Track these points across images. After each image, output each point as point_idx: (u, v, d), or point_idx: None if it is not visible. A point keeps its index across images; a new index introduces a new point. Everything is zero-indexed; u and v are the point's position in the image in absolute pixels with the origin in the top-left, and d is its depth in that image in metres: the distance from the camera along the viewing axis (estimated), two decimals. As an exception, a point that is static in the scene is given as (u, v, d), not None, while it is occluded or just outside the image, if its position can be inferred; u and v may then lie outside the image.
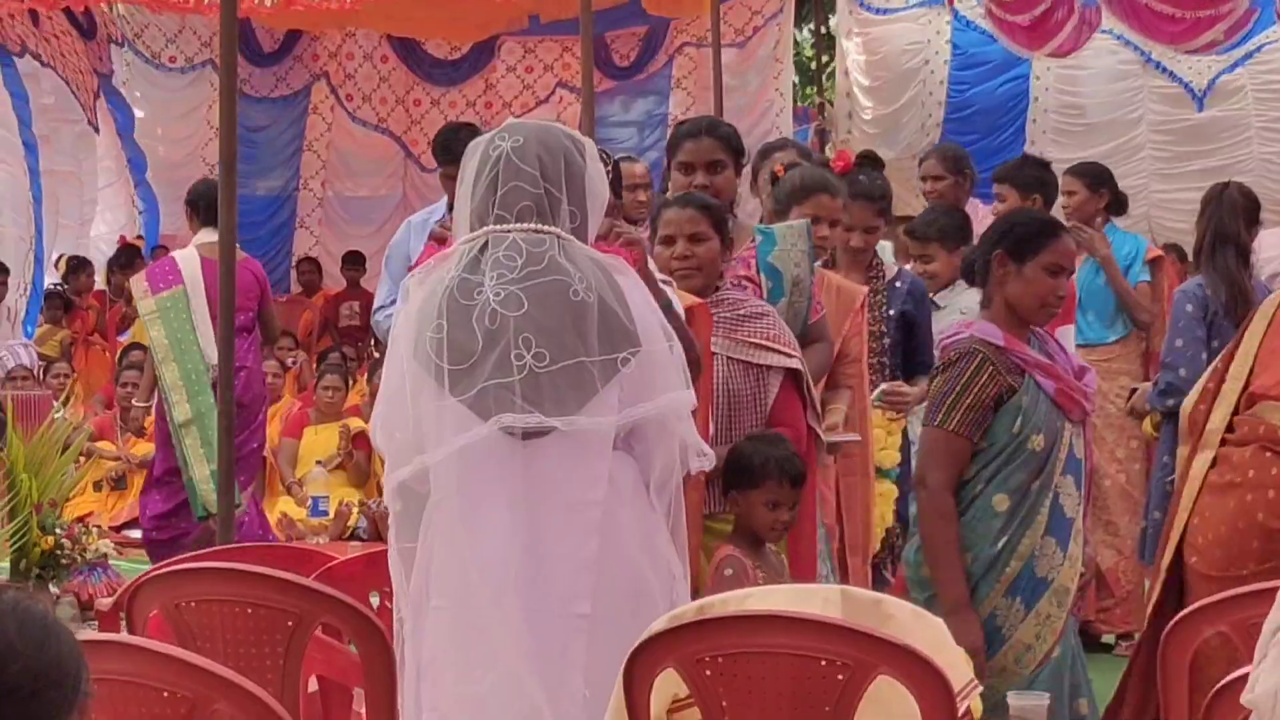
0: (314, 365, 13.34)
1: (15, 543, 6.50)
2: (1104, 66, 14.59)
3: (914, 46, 14.79)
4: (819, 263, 5.83)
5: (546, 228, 3.72)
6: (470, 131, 7.27)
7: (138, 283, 9.18)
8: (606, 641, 3.56)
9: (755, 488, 4.49)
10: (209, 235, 8.15)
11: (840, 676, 3.22)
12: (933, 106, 14.64)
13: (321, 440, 11.28)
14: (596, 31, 12.34)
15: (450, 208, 7.24)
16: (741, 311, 5.02)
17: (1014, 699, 3.64)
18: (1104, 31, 13.53)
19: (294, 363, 13.69)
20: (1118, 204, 7.94)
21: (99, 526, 8.49)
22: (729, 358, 4.94)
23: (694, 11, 14.15)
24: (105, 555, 6.91)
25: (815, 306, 5.57)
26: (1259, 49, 13.95)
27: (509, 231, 3.70)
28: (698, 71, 15.06)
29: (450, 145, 7.51)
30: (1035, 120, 14.62)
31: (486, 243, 3.74)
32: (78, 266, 15.08)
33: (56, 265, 15.59)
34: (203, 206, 8.71)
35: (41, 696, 2.15)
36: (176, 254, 9.23)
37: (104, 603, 5.93)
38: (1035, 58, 14.02)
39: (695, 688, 3.29)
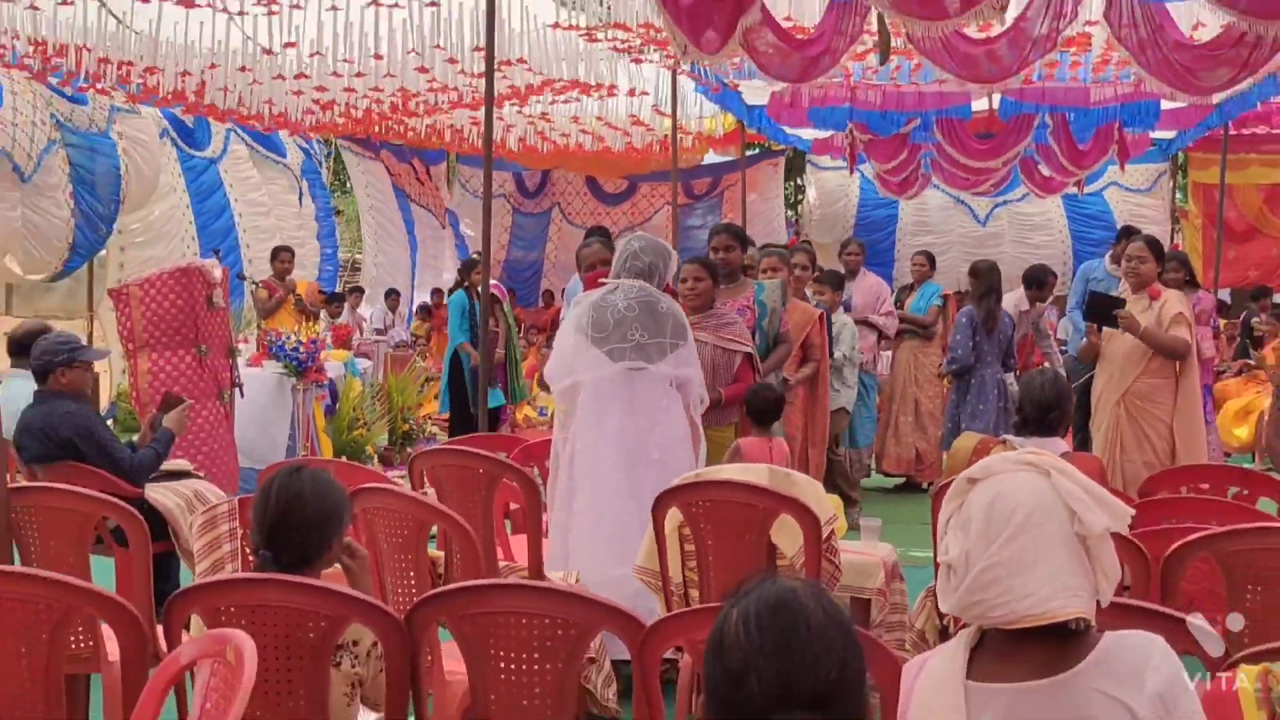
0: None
1: (392, 426, 11.73)
2: (934, 202, 20.42)
3: (840, 189, 20.79)
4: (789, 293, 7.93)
5: (646, 284, 5.86)
6: (601, 232, 9.73)
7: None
8: (663, 482, 5.16)
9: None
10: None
11: (763, 512, 4.71)
12: (847, 219, 20.61)
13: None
14: (684, 178, 18.71)
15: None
16: (723, 320, 6.85)
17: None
18: (934, 186, 18.42)
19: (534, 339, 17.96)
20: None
21: (432, 418, 12.77)
22: (714, 345, 6.72)
23: (734, 176, 19.53)
24: (435, 434, 12.08)
25: (783, 324, 7.66)
26: (1011, 198, 19.91)
27: (631, 281, 5.84)
28: (736, 196, 18.82)
29: (589, 238, 9.11)
30: (900, 228, 20.61)
31: (619, 284, 5.84)
32: (435, 294, 19.48)
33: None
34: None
35: (324, 525, 3.41)
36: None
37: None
38: (900, 199, 19.49)
39: (688, 519, 4.87)
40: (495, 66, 8.81)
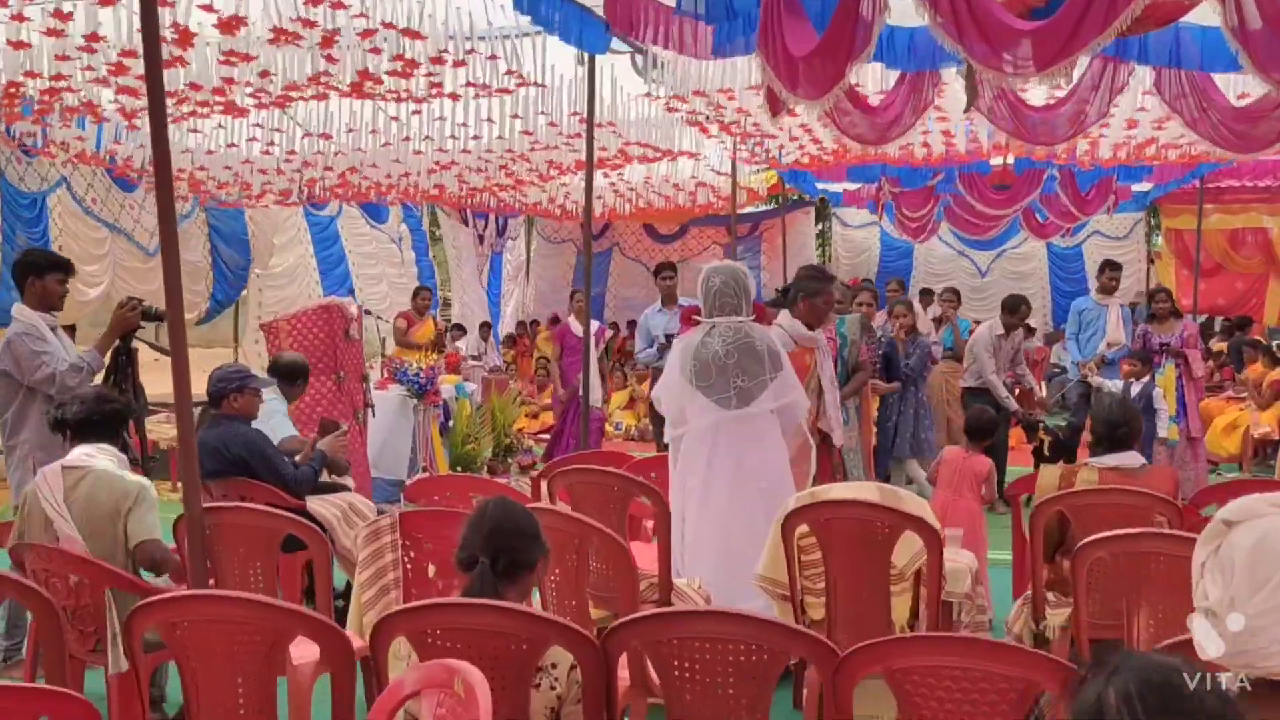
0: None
1: (496, 440, 11.34)
2: (941, 251, 20.88)
3: (864, 241, 21.68)
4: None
5: (740, 318, 5.41)
6: (667, 266, 10.50)
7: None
8: (768, 505, 4.94)
9: None
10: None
11: (889, 528, 4.32)
12: (871, 267, 20.96)
13: (617, 399, 15.13)
14: (726, 222, 18.57)
15: (664, 299, 10.12)
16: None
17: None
18: (940, 240, 19.58)
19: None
20: None
21: (525, 433, 12.89)
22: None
23: (770, 221, 20.22)
24: (531, 447, 12.20)
25: (862, 353, 7.47)
26: (1008, 247, 20.42)
27: (725, 319, 5.41)
28: (773, 237, 19.87)
29: (660, 270, 10.47)
30: (914, 276, 20.09)
31: (714, 325, 5.40)
32: (519, 325, 20.48)
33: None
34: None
35: (536, 536, 3.13)
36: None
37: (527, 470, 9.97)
38: (914, 243, 19.90)
39: (816, 534, 4.46)
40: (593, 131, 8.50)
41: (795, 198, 19.33)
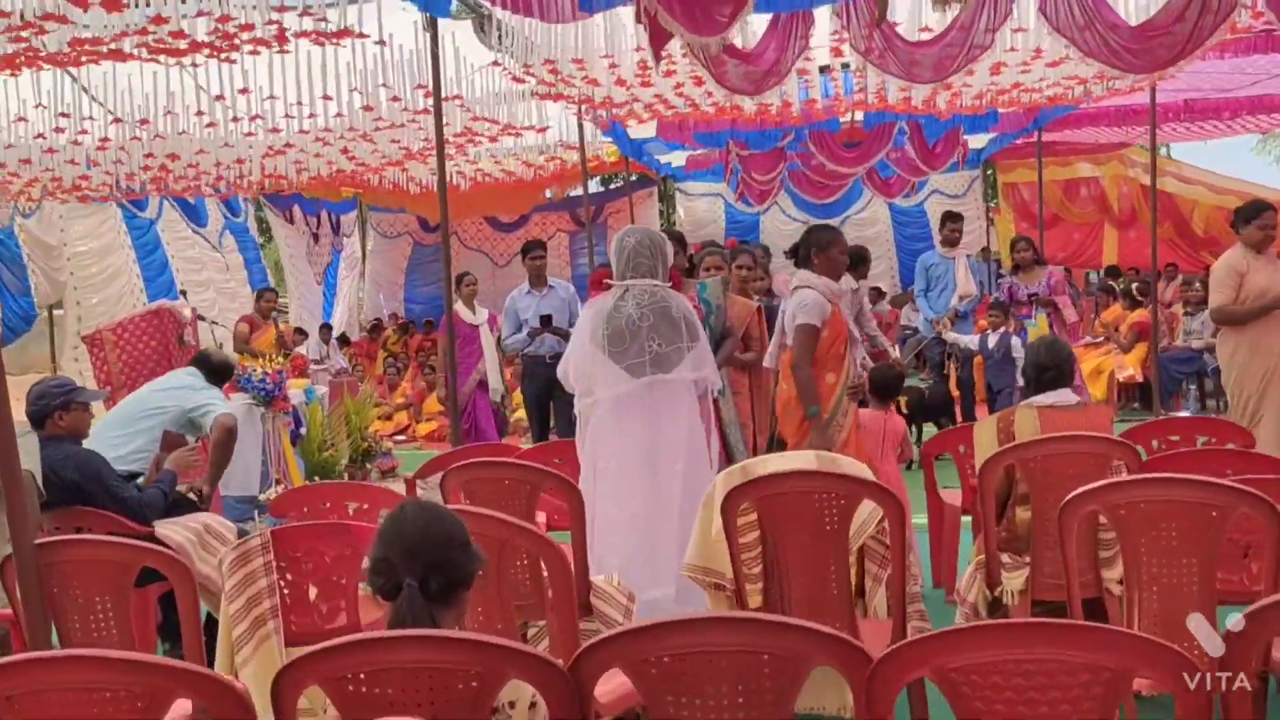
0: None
1: (353, 445, 10.35)
2: (785, 220, 20.42)
3: (708, 212, 21.32)
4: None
5: (655, 281, 4.98)
6: (536, 245, 9.81)
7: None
8: (686, 486, 4.71)
9: None
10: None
11: (846, 499, 3.85)
12: (719, 236, 19.35)
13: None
14: (570, 208, 19.28)
15: (532, 280, 9.55)
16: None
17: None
18: (785, 193, 18.75)
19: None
20: None
21: (381, 435, 11.98)
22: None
23: (615, 204, 19.98)
24: (389, 450, 11.17)
25: (727, 318, 6.67)
26: (851, 213, 20.32)
27: (639, 281, 4.96)
28: (619, 221, 18.75)
29: (529, 249, 9.71)
30: (763, 240, 18.58)
31: (628, 288, 4.95)
32: (373, 328, 19.56)
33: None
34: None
35: (468, 544, 2.56)
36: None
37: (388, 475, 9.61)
38: (759, 213, 20.06)
39: (762, 514, 3.94)
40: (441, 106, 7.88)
41: (637, 177, 18.86)
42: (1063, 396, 4.82)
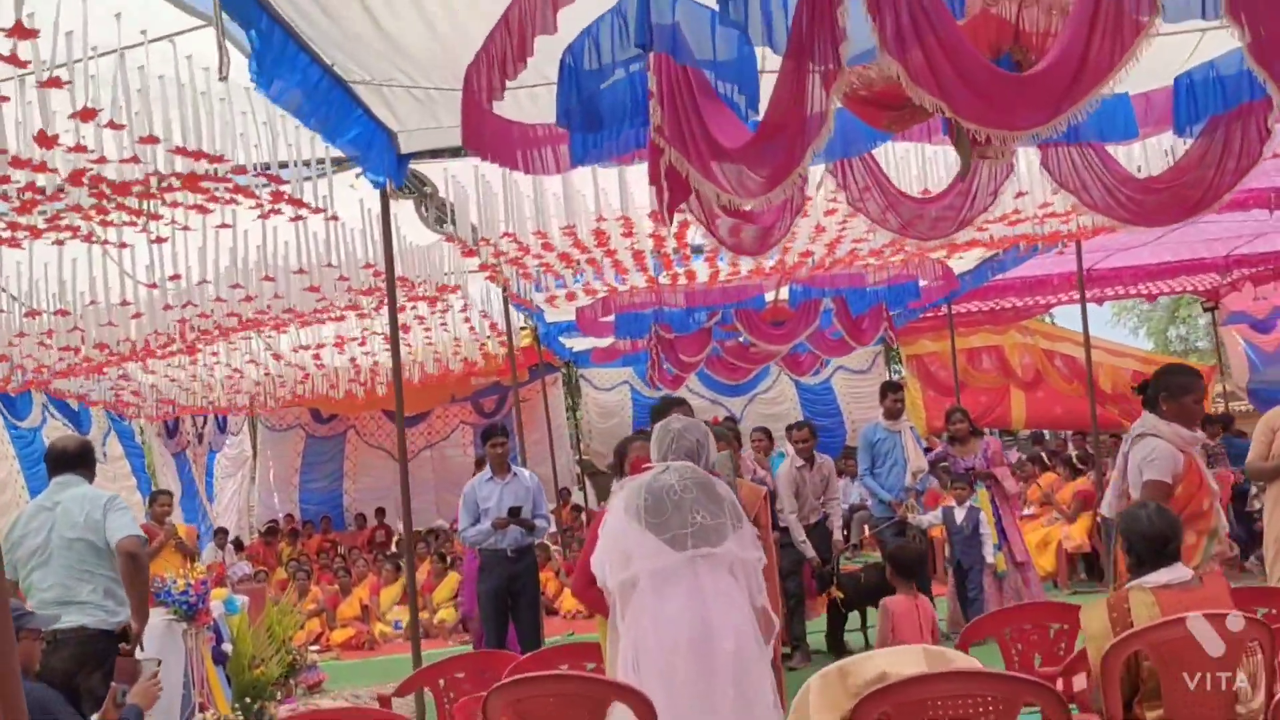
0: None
1: (280, 660, 9.28)
2: (696, 403, 17.12)
3: (617, 405, 20.84)
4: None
5: (696, 465, 4.67)
6: (498, 430, 9.03)
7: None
8: (740, 661, 4.34)
9: None
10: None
11: (1000, 707, 3.48)
12: (626, 424, 19.96)
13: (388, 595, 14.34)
14: (474, 399, 19.12)
15: (494, 467, 8.83)
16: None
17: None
18: (692, 387, 18.19)
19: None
20: None
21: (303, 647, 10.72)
22: None
23: (529, 387, 18.47)
24: (315, 663, 10.44)
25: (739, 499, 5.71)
26: (758, 391, 20.48)
27: (680, 463, 4.64)
28: (528, 409, 17.35)
29: (490, 435, 9.03)
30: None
31: (668, 466, 4.63)
32: (269, 530, 18.62)
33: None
34: None
35: None
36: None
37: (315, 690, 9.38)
38: (669, 393, 17.70)
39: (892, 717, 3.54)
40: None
41: (543, 364, 18.37)
42: (1179, 574, 4.32)
